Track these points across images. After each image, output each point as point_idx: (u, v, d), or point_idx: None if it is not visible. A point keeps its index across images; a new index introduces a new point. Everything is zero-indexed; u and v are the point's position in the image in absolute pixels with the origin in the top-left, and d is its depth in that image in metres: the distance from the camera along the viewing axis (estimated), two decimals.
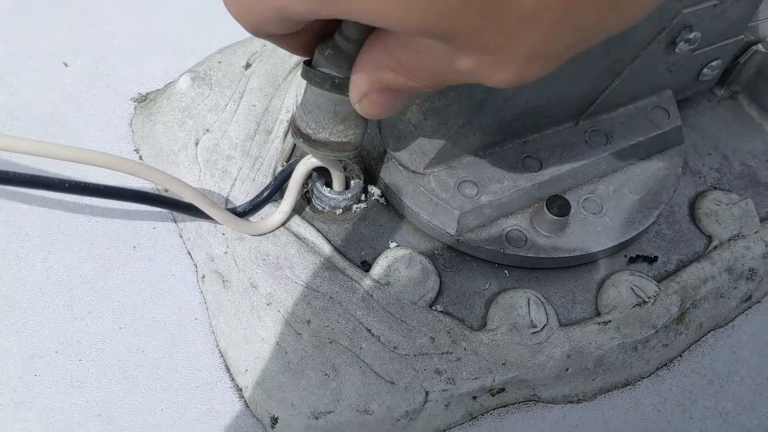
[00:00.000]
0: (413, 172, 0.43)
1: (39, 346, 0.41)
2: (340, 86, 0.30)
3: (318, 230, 0.43)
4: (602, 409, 0.42)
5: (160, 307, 0.43)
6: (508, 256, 0.43)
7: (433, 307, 0.42)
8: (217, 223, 0.43)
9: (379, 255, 0.43)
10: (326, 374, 0.39)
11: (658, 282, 0.44)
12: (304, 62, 0.31)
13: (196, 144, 0.46)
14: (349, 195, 0.43)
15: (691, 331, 0.45)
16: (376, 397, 0.39)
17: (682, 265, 0.46)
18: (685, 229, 0.48)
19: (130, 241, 0.45)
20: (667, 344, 0.44)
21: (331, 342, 0.40)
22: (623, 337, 0.42)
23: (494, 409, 0.42)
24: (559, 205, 0.42)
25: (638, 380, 0.43)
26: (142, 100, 0.51)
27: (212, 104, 0.48)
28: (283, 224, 0.43)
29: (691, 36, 0.43)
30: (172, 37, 0.56)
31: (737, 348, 0.46)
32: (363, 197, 0.45)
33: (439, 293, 0.43)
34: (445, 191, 0.43)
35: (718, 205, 0.48)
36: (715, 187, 0.50)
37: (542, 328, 0.41)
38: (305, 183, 0.44)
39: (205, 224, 0.44)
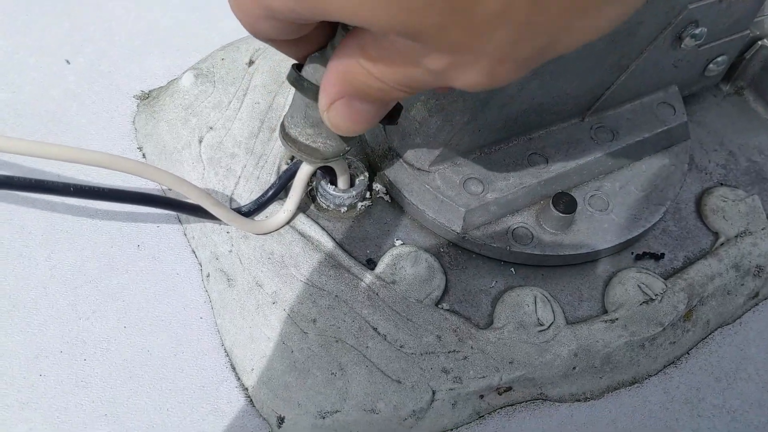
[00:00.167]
0: (418, 169, 0.43)
1: (43, 345, 0.41)
2: (310, 90, 0.31)
3: (323, 228, 0.43)
4: (610, 408, 0.42)
5: (165, 306, 0.43)
6: (515, 253, 0.42)
7: (440, 306, 0.42)
8: (222, 222, 0.42)
9: (384, 253, 0.43)
10: (332, 373, 0.39)
11: (665, 279, 0.44)
12: (293, 65, 0.32)
13: (200, 142, 0.46)
14: (354, 193, 0.43)
15: (699, 328, 0.45)
16: (382, 397, 0.39)
17: (689, 262, 0.46)
18: (692, 226, 0.48)
19: (134, 239, 0.45)
20: (674, 342, 0.43)
21: (337, 341, 0.40)
22: (630, 335, 0.42)
23: (501, 408, 0.41)
24: (565, 203, 0.42)
25: (646, 378, 0.43)
26: (145, 97, 0.51)
27: (216, 102, 0.48)
28: (287, 223, 0.43)
29: (697, 31, 0.42)
30: (175, 34, 0.56)
31: (744, 345, 0.46)
32: (368, 195, 0.45)
33: (445, 291, 0.42)
34: (451, 188, 0.43)
35: (724, 201, 0.48)
36: (722, 184, 0.50)
37: (549, 326, 0.41)
38: (310, 181, 0.43)
39: (209, 223, 0.44)
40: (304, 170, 0.41)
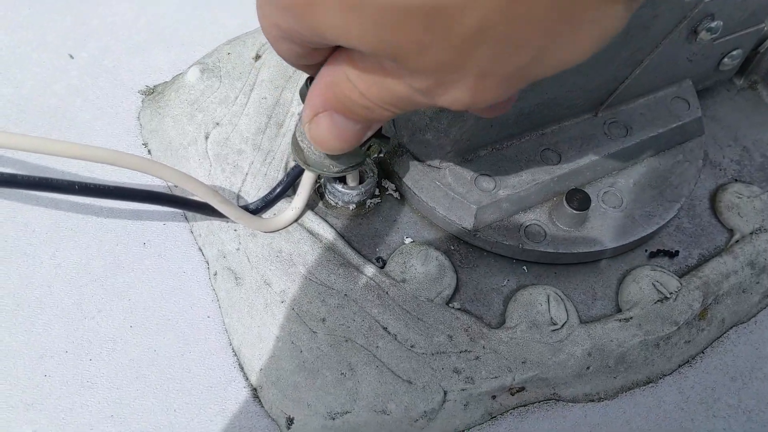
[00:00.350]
0: (429, 165, 0.42)
1: (48, 345, 0.40)
2: None
3: (331, 226, 0.42)
4: (624, 408, 0.41)
5: (172, 305, 0.42)
6: (527, 251, 0.42)
7: (450, 305, 0.41)
8: (229, 220, 0.42)
9: (394, 251, 0.42)
10: (342, 373, 0.38)
11: (680, 277, 0.43)
12: (307, 78, 0.33)
13: (206, 138, 0.45)
14: (363, 190, 0.42)
15: (713, 327, 0.44)
16: (393, 397, 0.38)
17: (704, 260, 0.45)
18: (706, 223, 0.47)
19: (140, 237, 0.44)
20: (689, 341, 0.43)
21: (346, 340, 0.39)
22: (645, 334, 0.41)
23: (514, 409, 0.41)
24: (579, 199, 0.41)
25: (660, 378, 0.43)
26: (150, 92, 0.50)
27: (222, 97, 0.47)
28: (296, 220, 0.42)
29: (713, 25, 0.42)
30: (179, 28, 0.55)
31: (760, 344, 0.45)
32: (377, 192, 0.44)
33: (456, 290, 0.42)
34: (462, 185, 0.42)
35: (739, 197, 0.47)
36: (736, 180, 0.49)
37: (562, 326, 0.40)
38: (318, 178, 0.43)
39: (216, 220, 0.43)
40: None
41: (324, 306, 0.40)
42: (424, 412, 0.38)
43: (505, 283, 0.43)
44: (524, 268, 0.43)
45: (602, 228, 0.43)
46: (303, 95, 0.32)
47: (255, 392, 0.40)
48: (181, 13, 0.56)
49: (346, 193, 0.42)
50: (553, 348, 0.40)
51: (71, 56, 0.52)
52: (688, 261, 0.45)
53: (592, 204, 0.42)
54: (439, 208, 0.42)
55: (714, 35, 0.42)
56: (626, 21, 0.21)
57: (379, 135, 0.36)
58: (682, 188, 0.45)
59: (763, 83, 0.55)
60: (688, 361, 0.43)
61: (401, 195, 0.45)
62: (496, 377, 0.39)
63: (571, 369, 0.40)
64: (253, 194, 0.43)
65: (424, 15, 0.19)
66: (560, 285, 0.43)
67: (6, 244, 0.43)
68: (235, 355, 0.41)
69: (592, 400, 0.41)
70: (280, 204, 0.43)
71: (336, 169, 0.36)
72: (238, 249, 0.42)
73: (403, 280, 0.41)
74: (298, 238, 0.42)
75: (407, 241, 0.43)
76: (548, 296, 0.41)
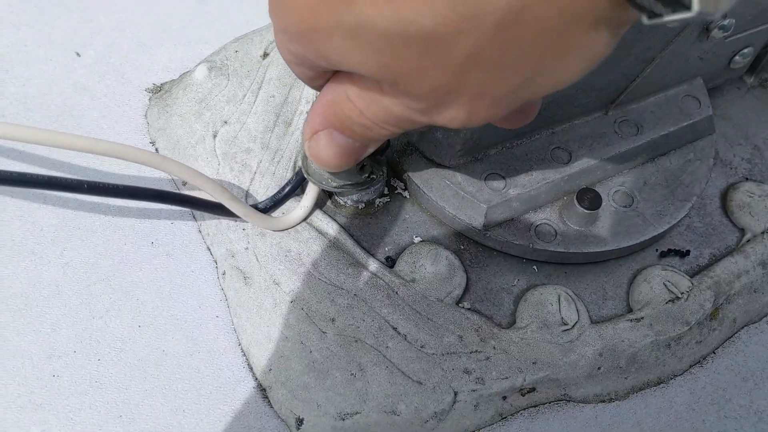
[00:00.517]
0: (438, 164, 0.42)
1: (56, 345, 0.40)
2: None
3: (340, 225, 0.42)
4: (635, 409, 0.41)
5: (180, 305, 0.42)
6: (538, 251, 0.41)
7: (460, 305, 0.41)
8: (237, 218, 0.42)
9: (403, 250, 0.42)
10: (352, 374, 0.38)
11: (691, 277, 0.43)
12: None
13: (214, 136, 0.45)
14: (372, 189, 0.42)
15: (725, 327, 0.44)
16: (403, 398, 0.38)
17: (715, 260, 0.45)
18: (717, 222, 0.47)
19: (148, 236, 0.44)
20: (700, 341, 0.42)
21: (356, 341, 0.39)
22: (656, 335, 0.41)
23: (524, 409, 0.40)
24: (590, 198, 0.41)
25: (671, 378, 0.42)
26: (157, 90, 0.50)
27: (230, 95, 0.47)
28: (304, 219, 0.42)
29: (726, 22, 0.41)
30: (187, 26, 0.54)
31: None
32: (386, 191, 0.44)
33: (466, 290, 0.41)
34: (472, 184, 0.41)
35: (750, 197, 0.47)
36: (747, 178, 0.49)
37: (573, 326, 0.40)
38: None
39: (224, 219, 0.43)
40: None
41: (333, 306, 0.40)
42: (435, 412, 0.38)
43: (515, 282, 0.42)
44: (534, 267, 0.43)
45: (613, 227, 0.42)
46: None
47: (264, 392, 0.39)
48: (188, 10, 0.56)
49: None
50: (564, 348, 0.40)
51: (78, 54, 0.52)
52: (699, 260, 0.45)
53: (603, 203, 0.42)
54: (448, 207, 0.42)
55: (726, 33, 0.42)
56: (613, 46, 0.22)
57: (374, 158, 0.37)
58: (693, 187, 0.45)
59: None
60: (699, 362, 0.43)
61: (410, 194, 0.44)
62: (506, 378, 0.39)
63: (581, 369, 0.40)
64: (261, 193, 0.43)
65: (420, 42, 0.21)
66: (571, 285, 0.42)
67: (14, 243, 0.43)
68: (244, 355, 0.41)
69: (603, 401, 0.41)
70: (289, 203, 0.43)
71: (334, 184, 0.37)
72: (246, 248, 0.42)
73: (413, 280, 0.40)
74: (307, 237, 0.42)
75: (416, 240, 0.43)
76: (559, 296, 0.41)
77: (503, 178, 0.42)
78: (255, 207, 0.41)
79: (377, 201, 0.43)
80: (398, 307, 0.40)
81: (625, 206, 0.43)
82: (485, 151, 0.42)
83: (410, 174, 0.43)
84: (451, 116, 0.24)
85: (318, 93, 0.30)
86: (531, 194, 0.42)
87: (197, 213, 0.45)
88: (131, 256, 0.43)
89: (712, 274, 0.43)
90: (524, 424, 0.40)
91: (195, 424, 0.38)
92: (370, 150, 0.32)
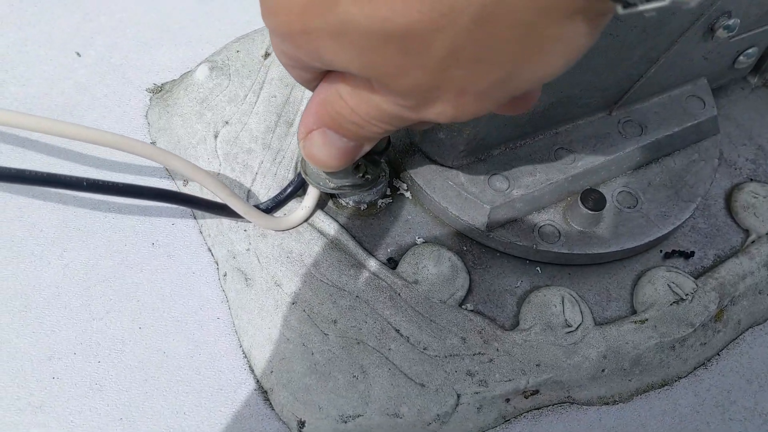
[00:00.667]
0: (441, 165, 0.42)
1: (56, 347, 0.40)
2: None
3: (342, 226, 0.42)
4: (639, 411, 0.41)
5: (181, 306, 0.41)
6: (541, 252, 0.41)
7: (463, 306, 0.41)
8: (239, 218, 0.41)
9: (405, 251, 0.42)
10: (354, 376, 0.38)
11: (695, 278, 0.43)
12: None
13: (216, 137, 0.45)
14: (374, 189, 0.42)
15: (729, 329, 0.43)
16: (406, 400, 0.37)
17: (720, 261, 0.44)
18: (722, 223, 0.46)
19: (149, 237, 0.44)
20: (704, 343, 0.42)
21: (358, 343, 0.39)
22: (660, 336, 0.40)
23: (528, 412, 0.40)
24: (594, 199, 0.40)
25: (675, 380, 0.42)
26: (158, 90, 0.50)
27: (231, 95, 0.46)
28: (306, 220, 0.42)
29: (731, 22, 0.41)
30: (188, 26, 0.54)
31: None
32: (388, 191, 0.44)
33: (469, 291, 0.41)
34: (475, 185, 0.41)
35: (755, 197, 0.46)
36: (752, 179, 0.49)
37: (577, 328, 0.40)
38: None
39: (226, 220, 0.43)
40: None
41: (335, 307, 0.39)
42: (437, 415, 0.38)
43: (518, 284, 0.42)
44: (538, 269, 0.43)
45: (617, 228, 0.42)
46: None
47: (266, 395, 0.39)
48: (189, 10, 0.55)
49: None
50: (568, 350, 0.39)
51: (78, 54, 0.51)
52: (703, 262, 0.45)
53: (607, 204, 0.42)
54: (451, 208, 0.41)
55: (731, 33, 0.41)
56: (595, 38, 0.22)
57: (370, 158, 0.37)
58: (698, 188, 0.44)
59: None
60: (703, 364, 0.43)
61: (413, 195, 0.44)
62: (510, 380, 0.39)
63: (585, 371, 0.39)
64: (263, 194, 0.43)
65: (399, 40, 0.21)
66: (574, 286, 0.42)
67: (13, 244, 0.42)
68: (246, 356, 0.40)
69: (607, 403, 0.41)
70: (291, 204, 0.42)
71: (332, 185, 0.37)
72: (248, 249, 0.42)
73: (416, 281, 0.40)
74: (308, 238, 0.41)
75: (419, 241, 0.42)
76: (562, 298, 0.41)
77: (506, 178, 0.41)
78: (257, 208, 0.41)
79: (379, 202, 0.43)
80: (401, 309, 0.39)
81: (629, 207, 0.43)
82: (488, 151, 0.42)
83: (413, 174, 0.42)
84: (438, 112, 0.25)
85: None
86: (534, 195, 0.41)
87: (198, 214, 0.44)
88: (132, 257, 0.43)
89: (717, 276, 0.43)
90: (527, 426, 0.40)
91: (196, 426, 0.38)
92: (366, 149, 0.32)
